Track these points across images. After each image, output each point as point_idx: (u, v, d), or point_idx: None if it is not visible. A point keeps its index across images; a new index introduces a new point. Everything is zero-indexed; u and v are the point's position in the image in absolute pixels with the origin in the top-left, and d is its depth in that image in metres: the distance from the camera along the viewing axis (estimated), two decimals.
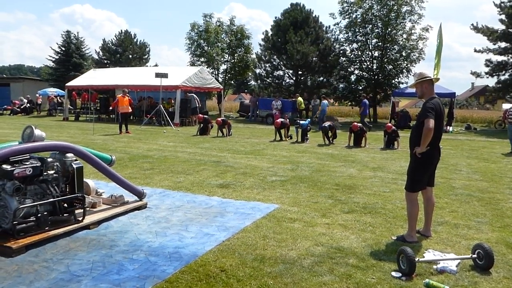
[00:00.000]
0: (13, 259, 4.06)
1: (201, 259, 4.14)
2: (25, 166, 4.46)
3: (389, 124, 14.10)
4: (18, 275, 3.74)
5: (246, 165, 9.52)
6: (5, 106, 30.52)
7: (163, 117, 20.28)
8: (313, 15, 33.18)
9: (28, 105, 30.12)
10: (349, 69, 30.48)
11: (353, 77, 30.77)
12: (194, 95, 21.57)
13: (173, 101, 23.69)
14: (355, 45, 29.43)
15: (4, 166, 4.33)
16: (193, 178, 7.96)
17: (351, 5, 28.01)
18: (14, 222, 4.27)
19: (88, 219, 5.01)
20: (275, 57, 33.13)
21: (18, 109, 29.63)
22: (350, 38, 29.33)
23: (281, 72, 34.05)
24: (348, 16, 28.48)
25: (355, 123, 14.14)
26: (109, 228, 5.03)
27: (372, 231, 5.11)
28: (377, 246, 4.59)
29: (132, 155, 10.76)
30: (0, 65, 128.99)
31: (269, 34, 33.55)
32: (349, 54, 30.07)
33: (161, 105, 20.77)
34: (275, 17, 33.71)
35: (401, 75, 28.70)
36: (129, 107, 17.09)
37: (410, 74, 28.42)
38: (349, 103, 31.92)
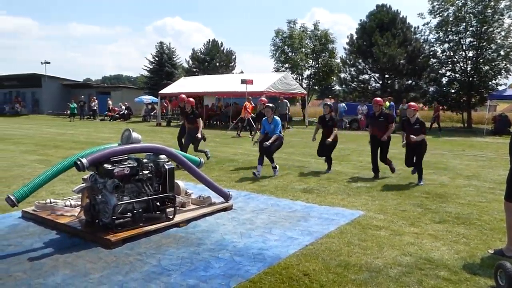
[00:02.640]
0: (111, 250, 4.41)
1: (284, 262, 4.16)
2: (124, 166, 4.82)
3: None
4: (115, 265, 4.05)
5: (331, 170, 9.40)
6: (106, 112, 33.24)
7: (248, 122, 20.72)
8: (401, 16, 31.94)
9: (126, 111, 32.46)
10: (440, 71, 28.81)
11: (444, 80, 29.02)
12: (286, 101, 21.81)
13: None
14: (446, 46, 27.79)
15: (106, 165, 4.73)
16: (277, 182, 8.04)
17: (442, 3, 26.48)
18: (113, 217, 4.64)
19: (178, 217, 5.28)
20: (360, 60, 32.40)
21: (117, 115, 32.08)
22: (441, 38, 27.76)
23: (366, 76, 33.23)
24: (438, 14, 26.98)
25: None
26: (197, 227, 5.25)
27: (466, 243, 4.77)
28: (471, 259, 4.28)
29: (219, 158, 11.14)
30: (102, 75, 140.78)
31: (354, 38, 32.90)
32: (440, 55, 28.46)
33: None
34: (360, 20, 33.00)
35: (499, 76, 26.56)
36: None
37: (510, 75, 26.15)
38: (441, 107, 30.06)
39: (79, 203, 5.51)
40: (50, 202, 5.63)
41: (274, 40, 34.70)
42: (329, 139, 8.79)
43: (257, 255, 4.33)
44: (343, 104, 22.12)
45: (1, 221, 5.42)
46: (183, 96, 10.93)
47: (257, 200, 6.65)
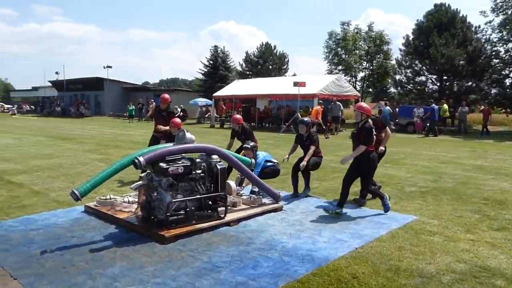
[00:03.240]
0: (165, 246, 4.60)
1: (333, 264, 4.16)
2: (178, 165, 5.01)
3: None
4: (168, 260, 4.23)
5: (383, 173, 9.19)
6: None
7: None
8: (460, 15, 30.57)
9: (182, 113, 33.41)
10: (503, 72, 27.20)
11: (508, 81, 27.38)
12: (339, 103, 21.61)
13: (310, 109, 24.03)
14: (510, 45, 26.21)
15: (161, 164, 4.94)
16: (327, 185, 8.00)
17: (506, 0, 25.02)
18: (167, 214, 4.84)
19: (229, 216, 5.41)
20: (416, 62, 31.38)
21: None
22: (505, 37, 26.20)
23: (423, 78, 32.13)
24: (502, 12, 25.51)
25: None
26: (247, 226, 5.36)
27: None
28: None
29: None
30: (160, 78, 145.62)
31: (410, 38, 31.92)
32: (504, 56, 26.86)
33: (298, 113, 21.22)
34: (417, 20, 31.93)
35: None
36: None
37: None
38: (503, 110, 28.30)
39: (136, 199, 5.79)
40: (110, 198, 5.96)
41: (327, 42, 34.43)
42: (303, 163, 6.84)
43: (305, 256, 4.36)
44: (388, 107, 21.62)
45: (66, 215, 5.82)
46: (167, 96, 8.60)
47: (307, 202, 6.67)
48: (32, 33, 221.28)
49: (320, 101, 20.25)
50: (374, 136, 5.94)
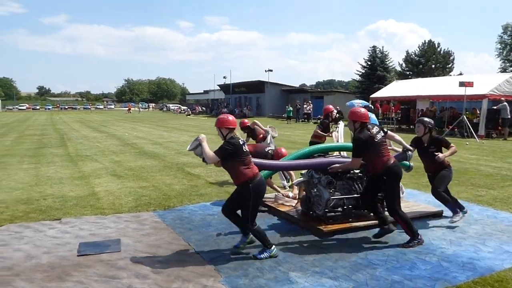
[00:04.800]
0: (323, 239, 4.93)
1: (497, 275, 3.95)
2: None
3: None
4: (326, 252, 4.54)
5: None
6: (319, 116, 35.09)
7: (466, 128, 19.08)
8: None
9: (337, 115, 33.57)
10: None
11: None
12: (506, 105, 19.36)
13: (478, 111, 21.90)
14: None
15: None
16: (496, 193, 7.38)
17: None
18: (326, 210, 5.17)
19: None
20: None
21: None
22: None
23: None
24: None
25: None
26: None
27: None
28: None
29: None
30: (316, 80, 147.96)
31: None
32: None
33: (464, 116, 19.58)
34: None
35: None
36: None
37: None
38: None
39: (297, 195, 6.25)
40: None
41: (501, 37, 30.78)
42: (438, 157, 5.40)
43: (466, 264, 4.22)
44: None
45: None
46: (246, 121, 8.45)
47: (471, 209, 6.27)
48: (204, 41, 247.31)
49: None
50: None
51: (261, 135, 7.92)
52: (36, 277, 3.96)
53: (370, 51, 44.92)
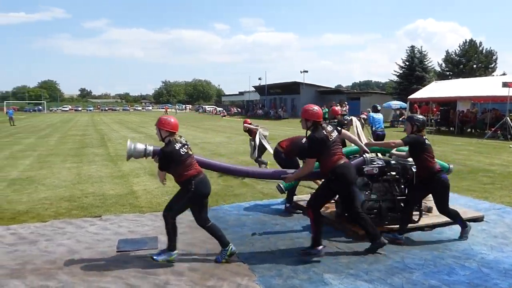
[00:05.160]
0: (357, 241, 4.87)
1: None
2: (373, 165, 5.21)
3: None
4: (361, 255, 4.50)
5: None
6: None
7: (510, 130, 18.35)
8: None
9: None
10: None
11: None
12: None
13: None
14: None
15: None
16: None
17: None
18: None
19: (423, 221, 5.35)
20: None
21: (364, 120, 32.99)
22: None
23: None
24: None
25: None
26: (442, 233, 5.22)
27: None
28: None
29: (471, 168, 10.40)
30: (352, 81, 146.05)
31: None
32: None
33: (507, 118, 18.83)
34: None
35: None
36: None
37: None
38: None
39: None
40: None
41: None
42: None
43: (509, 271, 4.08)
44: None
45: (270, 205, 6.67)
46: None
47: None
48: (239, 43, 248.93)
49: None
50: None
51: (254, 134, 9.42)
52: (77, 271, 4.13)
53: (408, 51, 43.87)
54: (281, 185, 5.40)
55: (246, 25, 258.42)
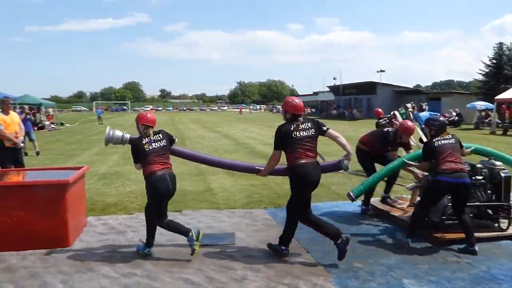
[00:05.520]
0: (439, 247, 4.67)
1: None
2: None
3: None
4: (443, 262, 4.33)
5: None
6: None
7: None
8: None
9: (457, 118, 31.22)
10: None
11: None
12: None
13: None
14: None
15: None
16: None
17: None
18: (443, 217, 4.89)
19: None
20: None
21: (447, 121, 31.26)
22: None
23: None
24: None
25: None
26: None
27: None
28: None
29: None
30: (432, 81, 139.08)
31: None
32: None
33: None
34: None
35: None
36: None
37: None
38: None
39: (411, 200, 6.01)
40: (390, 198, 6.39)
41: None
42: None
43: None
44: None
45: (345, 206, 6.65)
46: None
47: None
48: (313, 43, 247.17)
49: None
50: None
51: None
52: (160, 262, 4.39)
53: (495, 48, 41.00)
54: (351, 194, 5.25)
55: (321, 24, 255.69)
